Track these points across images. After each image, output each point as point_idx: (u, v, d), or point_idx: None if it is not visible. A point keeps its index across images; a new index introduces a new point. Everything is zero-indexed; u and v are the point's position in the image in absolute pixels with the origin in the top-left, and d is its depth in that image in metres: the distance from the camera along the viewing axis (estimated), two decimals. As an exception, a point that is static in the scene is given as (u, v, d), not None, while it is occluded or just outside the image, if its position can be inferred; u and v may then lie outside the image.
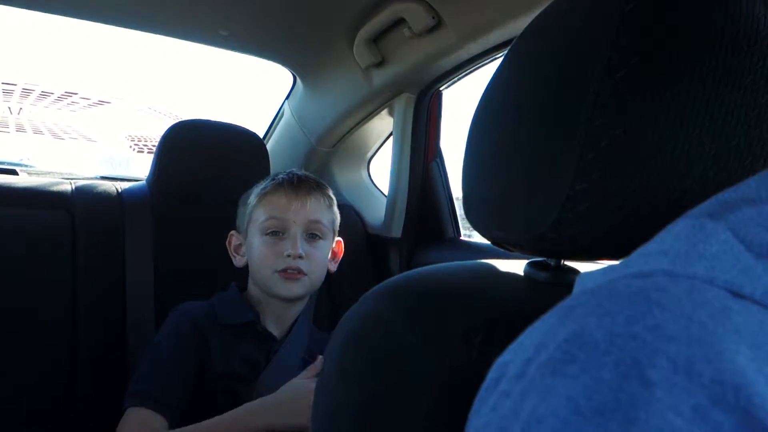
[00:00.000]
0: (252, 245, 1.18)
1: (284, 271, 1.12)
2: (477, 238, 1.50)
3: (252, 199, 1.20)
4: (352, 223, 1.65)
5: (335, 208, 1.24)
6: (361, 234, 1.65)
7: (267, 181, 1.20)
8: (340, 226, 1.55)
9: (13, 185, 1.30)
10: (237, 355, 1.11)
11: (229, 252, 1.24)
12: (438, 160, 1.54)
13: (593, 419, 0.24)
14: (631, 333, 0.26)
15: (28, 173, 1.51)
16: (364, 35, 1.38)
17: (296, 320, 1.20)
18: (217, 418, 1.01)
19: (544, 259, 0.49)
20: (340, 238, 1.29)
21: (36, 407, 1.17)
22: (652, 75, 0.37)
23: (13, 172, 1.46)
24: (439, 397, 0.38)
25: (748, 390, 0.23)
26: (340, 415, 0.42)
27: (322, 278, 1.21)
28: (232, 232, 1.25)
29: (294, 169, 1.23)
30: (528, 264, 0.50)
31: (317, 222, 1.17)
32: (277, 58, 1.66)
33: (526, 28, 0.46)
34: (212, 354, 1.09)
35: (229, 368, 1.10)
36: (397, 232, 1.55)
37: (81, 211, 1.29)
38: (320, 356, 1.07)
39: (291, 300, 1.16)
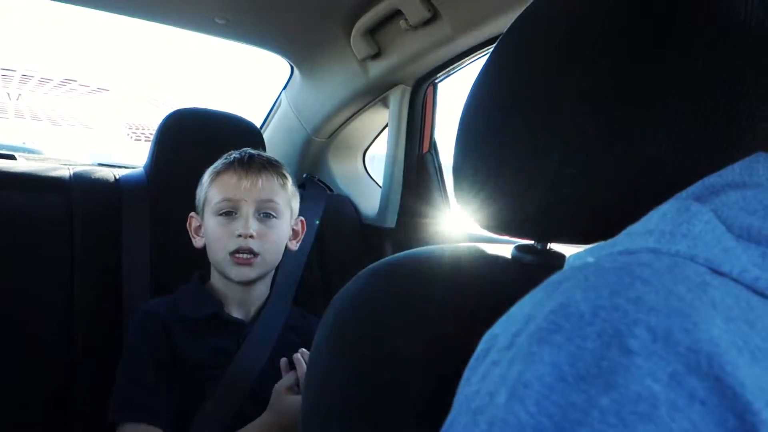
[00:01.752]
0: (207, 226, 1.17)
1: (235, 253, 1.11)
2: (473, 229, 1.51)
3: (206, 179, 1.20)
4: (347, 213, 1.67)
5: (291, 187, 1.22)
6: (356, 224, 1.66)
7: (220, 161, 1.19)
8: (334, 215, 1.56)
9: (11, 170, 1.31)
10: (207, 346, 1.10)
11: (190, 233, 1.23)
12: (432, 151, 1.55)
13: (576, 384, 0.26)
14: (614, 305, 0.27)
15: (27, 159, 1.51)
16: (360, 27, 1.39)
17: (265, 303, 1.20)
18: None
19: (532, 242, 0.51)
20: (302, 217, 1.28)
21: (32, 387, 1.17)
22: (636, 64, 0.38)
23: (12, 157, 1.46)
24: (427, 372, 0.39)
25: (720, 359, 0.25)
26: (330, 389, 0.43)
27: (278, 258, 1.19)
28: (192, 213, 1.24)
29: (248, 149, 1.22)
30: (515, 247, 0.51)
31: (270, 201, 1.15)
32: (274, 48, 1.67)
33: (516, 20, 0.47)
34: (182, 347, 1.08)
35: (200, 359, 1.09)
36: (391, 222, 1.56)
37: (78, 197, 1.30)
38: (300, 357, 1.06)
39: (245, 283, 1.15)
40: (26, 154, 1.61)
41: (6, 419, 1.15)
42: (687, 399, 0.24)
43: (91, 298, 1.24)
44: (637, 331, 0.26)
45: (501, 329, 0.32)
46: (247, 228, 1.11)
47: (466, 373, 0.32)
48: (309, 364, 0.47)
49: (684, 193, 0.35)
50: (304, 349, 1.08)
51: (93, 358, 1.21)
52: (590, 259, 0.33)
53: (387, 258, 0.49)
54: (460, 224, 1.51)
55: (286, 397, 1.03)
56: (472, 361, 0.32)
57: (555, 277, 0.32)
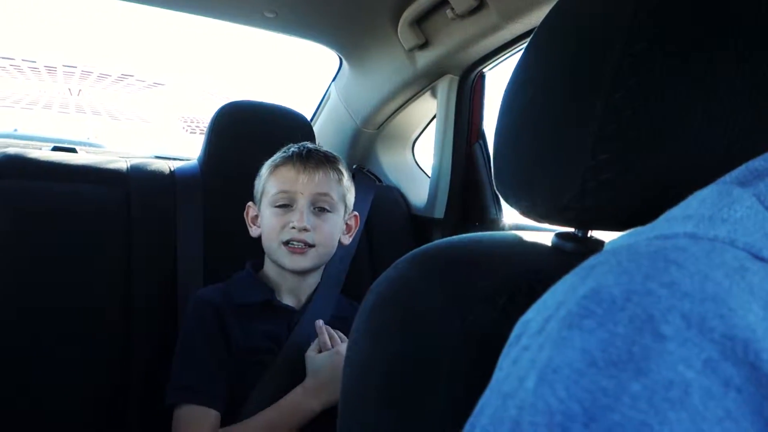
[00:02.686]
0: (263, 216, 1.21)
1: (288, 243, 1.14)
2: (521, 219, 1.50)
3: (264, 171, 1.23)
4: (395, 203, 1.67)
5: (346, 182, 1.24)
6: (405, 215, 1.67)
7: (279, 154, 1.22)
8: (383, 206, 1.57)
9: (72, 162, 1.37)
10: (258, 331, 1.14)
11: (247, 223, 1.27)
12: (481, 141, 1.54)
13: (607, 370, 0.25)
14: (647, 290, 0.27)
15: (87, 152, 1.57)
16: (407, 17, 1.39)
17: (315, 291, 1.23)
18: (261, 414, 1.05)
19: (573, 230, 0.50)
20: (356, 212, 1.30)
21: (92, 370, 1.22)
22: (672, 48, 0.37)
23: (73, 151, 1.52)
24: (461, 355, 0.40)
25: (756, 345, 0.24)
26: (369, 372, 0.44)
27: (331, 250, 1.22)
28: (249, 203, 1.27)
29: (307, 143, 1.24)
30: (556, 235, 0.51)
31: (325, 195, 1.18)
32: (323, 40, 1.68)
33: (552, 9, 0.47)
34: (234, 333, 1.12)
35: (252, 344, 1.12)
36: (439, 212, 1.56)
37: (135, 187, 1.34)
38: (321, 326, 1.13)
39: (298, 273, 1.18)
40: (87, 148, 1.67)
41: (68, 400, 1.20)
42: (722, 386, 0.24)
43: (147, 284, 1.28)
44: (670, 316, 0.25)
45: (533, 315, 0.31)
46: (302, 221, 1.14)
47: (499, 361, 0.31)
48: (348, 350, 0.48)
49: (727, 177, 0.33)
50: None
51: (149, 342, 1.26)
52: (627, 244, 0.32)
53: (425, 245, 0.50)
54: (509, 214, 1.50)
55: (315, 357, 1.09)
56: (505, 348, 0.32)
57: (588, 262, 0.31)
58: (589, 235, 0.50)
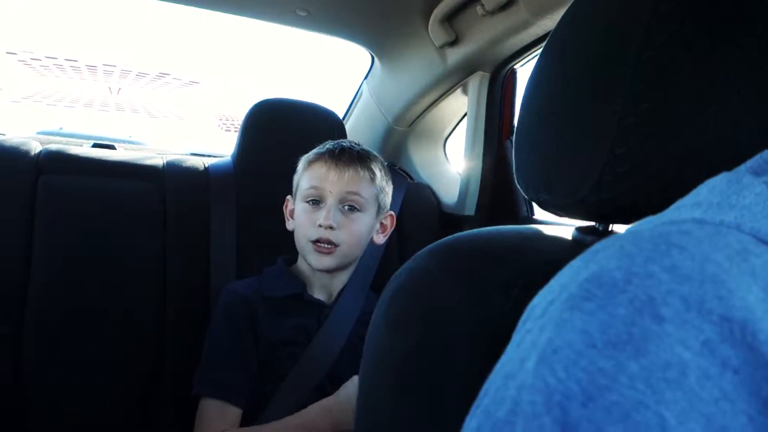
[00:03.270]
0: (297, 211, 1.22)
1: (316, 242, 1.15)
2: (552, 216, 1.49)
3: (300, 165, 1.24)
4: (426, 200, 1.68)
5: (380, 182, 1.23)
6: (435, 212, 1.67)
7: (315, 150, 1.23)
8: (414, 203, 1.57)
9: (111, 158, 1.41)
10: (288, 324, 1.15)
11: (285, 215, 1.28)
12: (512, 138, 1.53)
13: (605, 350, 0.26)
14: (648, 272, 0.27)
15: (125, 149, 1.61)
16: (438, 14, 1.39)
17: (344, 287, 1.24)
18: (282, 421, 1.05)
19: (593, 223, 0.51)
20: (392, 212, 1.30)
21: (128, 360, 1.26)
22: (691, 40, 0.37)
23: (112, 147, 1.56)
24: (476, 346, 0.40)
25: (754, 326, 0.25)
26: (385, 362, 0.45)
27: (358, 250, 1.22)
28: (288, 197, 1.28)
29: (344, 141, 1.24)
30: (576, 228, 0.51)
31: (354, 194, 1.17)
32: (354, 38, 1.70)
33: (570, 5, 0.48)
34: (265, 326, 1.14)
35: (283, 336, 1.14)
36: (470, 210, 1.56)
37: (171, 184, 1.38)
38: None
39: (323, 271, 1.19)
40: (125, 145, 1.71)
41: (104, 390, 1.24)
42: (719, 367, 0.24)
43: (181, 277, 1.32)
44: (670, 299, 0.26)
45: (539, 300, 0.32)
46: (328, 219, 1.14)
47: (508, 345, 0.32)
48: (367, 339, 0.49)
49: (742, 167, 0.34)
50: None
51: (183, 333, 1.29)
52: (633, 230, 0.33)
53: (447, 238, 0.50)
54: (540, 211, 1.49)
55: (354, 380, 1.08)
56: (514, 333, 0.32)
57: (594, 247, 0.32)
58: (609, 229, 0.50)
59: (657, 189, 0.40)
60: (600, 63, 0.41)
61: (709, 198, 0.32)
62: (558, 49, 0.48)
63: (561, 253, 0.48)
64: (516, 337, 0.32)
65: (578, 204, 0.44)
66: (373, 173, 1.21)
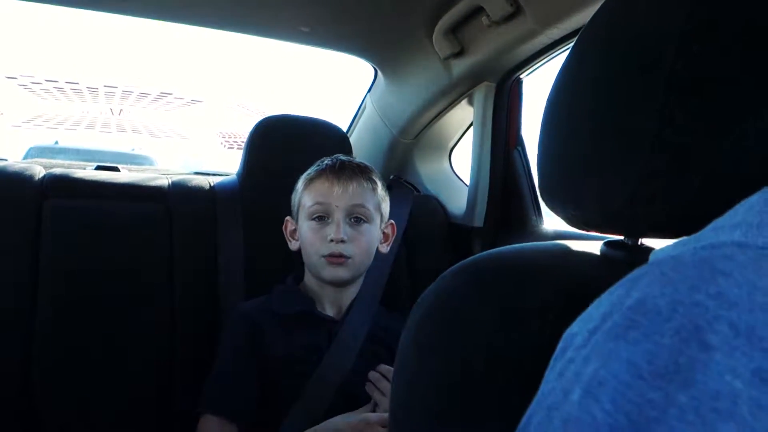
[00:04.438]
0: (302, 230, 1.22)
1: (329, 256, 1.15)
2: (561, 226, 1.48)
3: (299, 185, 1.24)
4: (433, 212, 1.66)
5: (380, 191, 1.25)
6: (443, 224, 1.66)
7: (313, 167, 1.23)
8: (421, 215, 1.56)
9: (116, 181, 1.40)
10: (298, 342, 1.15)
11: (286, 237, 1.28)
12: (519, 148, 1.52)
13: (653, 381, 0.25)
14: (694, 300, 0.26)
15: (129, 170, 1.61)
16: (443, 26, 1.38)
17: (353, 301, 1.23)
18: None
19: (622, 238, 0.49)
20: (392, 221, 1.31)
21: (139, 381, 1.27)
22: (729, 47, 0.36)
23: (116, 169, 1.56)
24: (513, 370, 0.39)
25: None
26: (418, 387, 0.43)
27: (368, 261, 1.23)
28: (288, 217, 1.28)
29: (340, 155, 1.25)
30: (605, 243, 0.50)
31: (360, 206, 1.19)
32: (358, 52, 1.69)
33: (598, 10, 0.46)
34: (274, 344, 1.13)
35: (292, 355, 1.13)
36: (479, 221, 1.54)
37: (176, 204, 1.37)
38: (380, 397, 1.07)
39: (337, 284, 1.19)
40: (129, 166, 1.70)
41: (116, 409, 1.25)
42: None
43: (190, 297, 1.31)
44: (717, 326, 0.25)
45: (578, 328, 0.31)
46: (339, 233, 1.15)
47: (546, 373, 0.31)
48: (396, 364, 0.48)
49: None
50: (385, 366, 1.11)
51: (191, 356, 1.28)
52: (673, 254, 0.32)
53: (472, 257, 0.49)
54: (549, 221, 1.48)
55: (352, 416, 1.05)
56: (551, 360, 0.31)
57: (634, 273, 0.31)
58: (639, 243, 0.48)
59: (693, 204, 0.38)
60: (633, 72, 0.40)
61: (747, 218, 0.31)
62: (585, 59, 0.46)
63: (592, 272, 0.47)
64: (556, 366, 0.31)
65: (610, 218, 0.42)
66: (375, 184, 1.23)
